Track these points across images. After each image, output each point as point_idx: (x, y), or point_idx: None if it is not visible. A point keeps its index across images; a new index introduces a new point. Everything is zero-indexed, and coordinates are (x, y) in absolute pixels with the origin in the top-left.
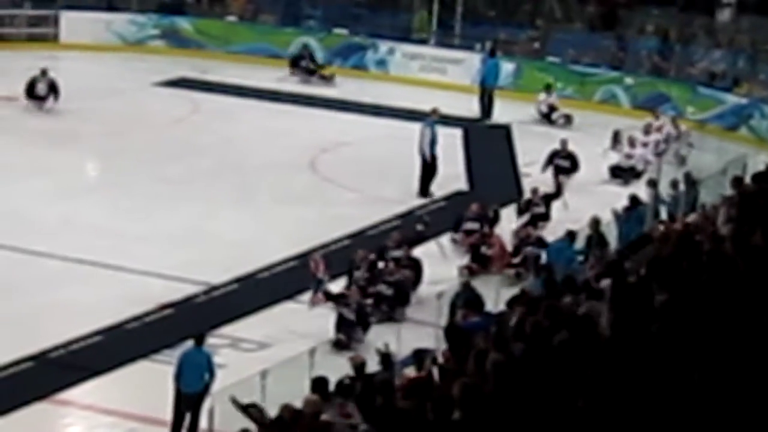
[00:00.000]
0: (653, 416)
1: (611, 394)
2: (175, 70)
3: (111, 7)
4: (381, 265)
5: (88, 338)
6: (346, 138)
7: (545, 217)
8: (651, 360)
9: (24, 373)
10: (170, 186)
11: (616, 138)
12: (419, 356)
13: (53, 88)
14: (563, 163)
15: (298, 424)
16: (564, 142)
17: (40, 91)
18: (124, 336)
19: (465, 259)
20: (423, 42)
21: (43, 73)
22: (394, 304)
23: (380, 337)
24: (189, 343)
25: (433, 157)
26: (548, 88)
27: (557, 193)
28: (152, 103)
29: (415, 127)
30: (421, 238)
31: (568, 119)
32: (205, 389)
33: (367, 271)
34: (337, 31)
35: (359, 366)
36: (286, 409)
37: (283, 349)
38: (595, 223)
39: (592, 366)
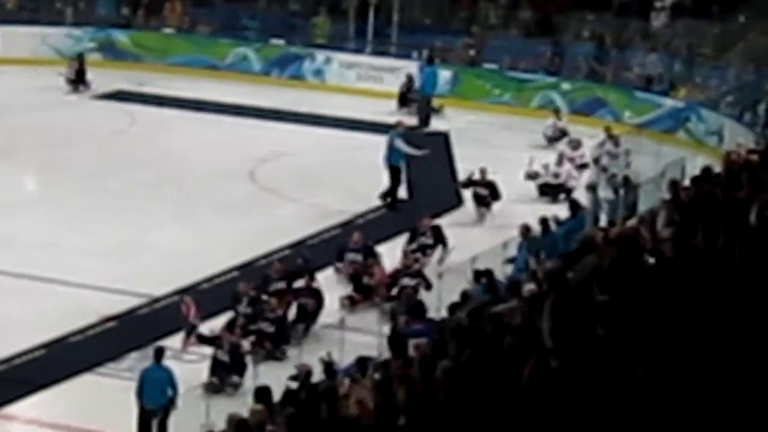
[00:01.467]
0: (603, 418)
1: (558, 399)
2: (112, 82)
3: (47, 21)
4: (265, 297)
5: (31, 352)
6: (284, 148)
7: (432, 247)
8: (596, 363)
9: None
10: (109, 199)
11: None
12: (362, 364)
13: (80, 76)
14: (482, 191)
15: None
16: (483, 171)
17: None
18: (67, 349)
19: (348, 290)
20: (358, 51)
21: (79, 57)
22: (278, 342)
23: (264, 376)
24: (132, 356)
25: (399, 169)
26: (557, 113)
27: (441, 238)
28: (90, 116)
29: (354, 136)
30: (304, 270)
31: (575, 146)
32: (170, 404)
33: (248, 306)
34: (274, 41)
35: (305, 375)
36: (232, 419)
37: None
38: (526, 230)
39: (538, 372)
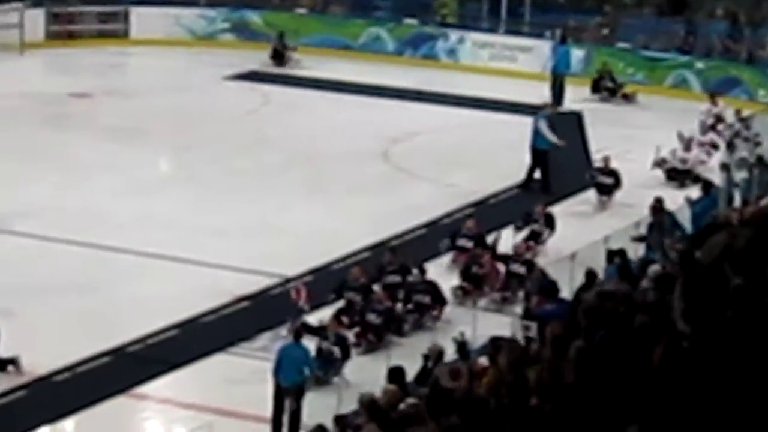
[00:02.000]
0: (735, 400)
1: (690, 380)
2: (245, 63)
3: (180, 2)
4: (376, 288)
5: (165, 332)
6: (417, 128)
7: (540, 235)
8: (728, 344)
9: (102, 367)
10: (242, 179)
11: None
12: (496, 344)
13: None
14: (606, 180)
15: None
16: (606, 159)
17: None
18: (200, 329)
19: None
20: (492, 30)
21: (280, 36)
22: (383, 334)
23: (364, 369)
24: (266, 336)
25: (541, 152)
26: (713, 98)
27: (551, 224)
28: (223, 96)
29: (489, 116)
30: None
31: (705, 130)
32: (306, 383)
33: (358, 294)
34: (408, 21)
35: (437, 355)
36: (364, 398)
37: None
38: (656, 210)
39: (670, 352)
